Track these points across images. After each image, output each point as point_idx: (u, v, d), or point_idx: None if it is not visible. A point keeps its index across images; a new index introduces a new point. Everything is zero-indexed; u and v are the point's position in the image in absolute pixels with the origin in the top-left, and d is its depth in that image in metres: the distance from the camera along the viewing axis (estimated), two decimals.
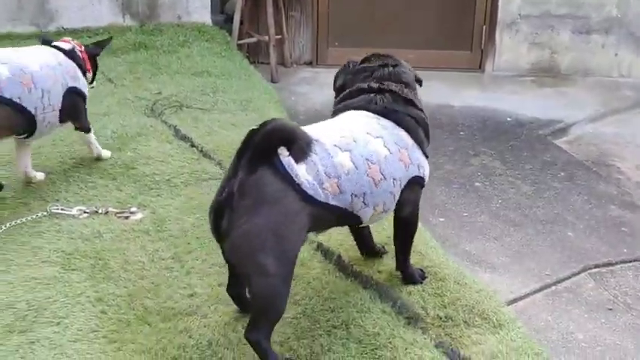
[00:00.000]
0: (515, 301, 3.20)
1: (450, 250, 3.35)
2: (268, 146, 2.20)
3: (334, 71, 3.49)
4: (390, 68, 2.78)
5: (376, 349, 2.40)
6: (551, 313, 3.14)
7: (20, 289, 2.72)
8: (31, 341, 2.45)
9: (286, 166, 2.20)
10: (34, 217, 3.23)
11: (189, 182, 3.54)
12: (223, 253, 2.33)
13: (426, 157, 2.69)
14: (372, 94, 2.63)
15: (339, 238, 3.00)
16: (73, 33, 5.59)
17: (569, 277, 3.40)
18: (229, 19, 6.35)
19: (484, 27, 5.98)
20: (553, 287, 3.33)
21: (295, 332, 2.49)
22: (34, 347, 2.42)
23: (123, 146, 3.93)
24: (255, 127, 2.20)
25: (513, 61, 6.05)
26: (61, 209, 3.28)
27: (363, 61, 2.82)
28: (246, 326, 2.26)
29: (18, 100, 3.18)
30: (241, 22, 5.92)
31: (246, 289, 2.44)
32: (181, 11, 6.06)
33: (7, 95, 3.15)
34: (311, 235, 2.99)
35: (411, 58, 5.92)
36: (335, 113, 2.70)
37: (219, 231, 2.26)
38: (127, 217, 3.25)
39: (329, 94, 5.40)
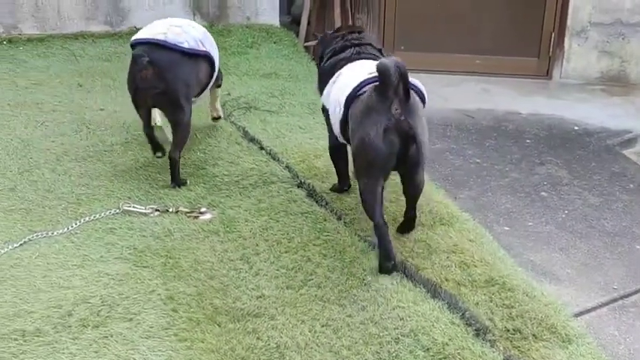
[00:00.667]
0: (580, 314, 3.15)
1: (514, 259, 3.32)
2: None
3: None
4: (357, 34, 3.54)
5: (445, 359, 2.41)
6: (618, 327, 3.09)
7: (94, 284, 2.80)
8: (104, 336, 2.52)
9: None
10: (107, 213, 3.31)
11: (257, 184, 3.59)
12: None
13: None
14: (356, 47, 3.42)
15: (407, 245, 3.02)
16: None
17: (637, 292, 3.35)
18: (296, 21, 6.40)
19: (553, 34, 5.91)
20: (620, 301, 3.28)
21: (363, 337, 2.52)
22: (108, 342, 2.49)
23: (193, 146, 3.99)
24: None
25: (582, 69, 5.96)
26: (133, 207, 3.36)
27: (336, 31, 3.66)
28: None
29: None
30: (308, 24, 5.96)
31: None
32: (250, 12, 6.13)
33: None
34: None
35: (478, 63, 5.97)
36: (330, 68, 3.40)
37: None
38: (196, 217, 3.31)
39: None
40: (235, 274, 2.88)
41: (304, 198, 3.45)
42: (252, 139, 4.05)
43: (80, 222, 3.25)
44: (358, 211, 3.34)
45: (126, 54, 5.41)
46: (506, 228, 3.85)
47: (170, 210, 3.35)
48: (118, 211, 3.34)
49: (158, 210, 3.34)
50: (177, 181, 3.59)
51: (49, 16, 5.63)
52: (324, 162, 3.80)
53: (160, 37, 3.51)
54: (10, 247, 3.05)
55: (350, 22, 5.91)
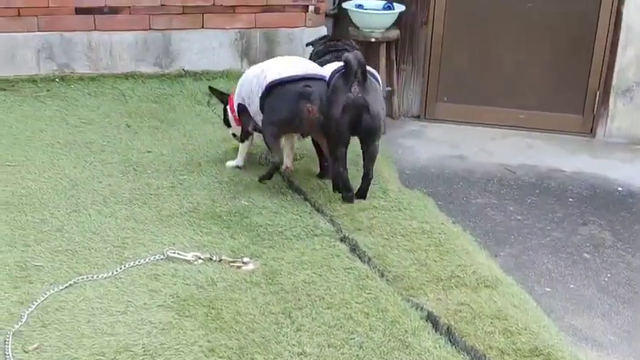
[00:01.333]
0: None
1: (555, 323, 3.29)
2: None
3: (442, 126, 5.86)
4: (336, 41, 4.58)
5: None
6: None
7: (137, 332, 2.82)
8: None
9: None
10: (151, 259, 3.35)
11: (301, 236, 3.60)
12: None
13: None
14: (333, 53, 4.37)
15: (451, 308, 3.00)
16: (193, 75, 5.84)
17: None
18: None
19: (598, 92, 5.88)
20: None
21: None
22: None
23: (237, 194, 4.03)
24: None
25: (626, 129, 5.92)
26: (177, 253, 3.39)
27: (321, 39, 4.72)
28: None
29: None
30: None
31: None
32: None
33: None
34: (421, 303, 3.02)
35: (522, 118, 5.96)
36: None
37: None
38: (239, 267, 3.33)
39: (436, 150, 5.50)
40: (277, 328, 2.88)
41: (347, 253, 3.45)
42: (297, 190, 4.08)
43: (125, 266, 3.28)
44: (401, 267, 3.35)
45: (173, 95, 5.55)
46: (548, 289, 3.82)
47: (213, 258, 3.37)
48: (162, 257, 3.37)
49: (201, 258, 3.37)
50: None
51: (101, 56, 5.75)
52: (368, 215, 3.82)
53: (314, 72, 3.94)
54: (55, 289, 3.09)
55: (395, 73, 5.97)
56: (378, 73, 5.75)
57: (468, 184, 5.05)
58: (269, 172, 4.11)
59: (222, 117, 4.56)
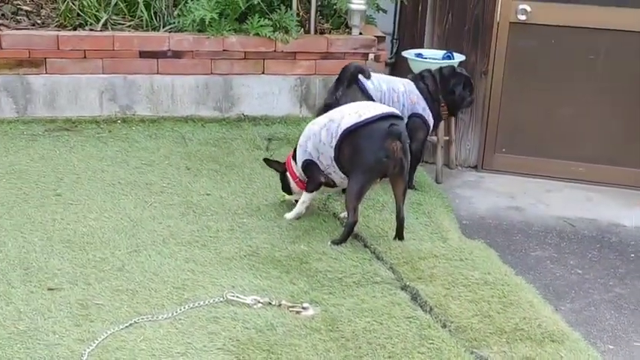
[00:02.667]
0: None
1: None
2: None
3: (500, 177, 5.75)
4: None
5: None
6: None
7: None
8: None
9: None
10: (211, 301, 3.34)
11: (361, 283, 3.56)
12: None
13: None
14: None
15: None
16: (252, 120, 5.89)
17: None
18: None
19: None
20: None
21: None
22: None
23: (297, 239, 4.02)
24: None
25: None
26: (237, 296, 3.38)
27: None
28: None
29: None
30: None
31: None
32: None
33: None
34: (485, 355, 2.95)
35: (581, 171, 5.87)
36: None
37: None
38: (298, 312, 3.30)
39: (493, 201, 5.44)
40: None
41: (408, 302, 3.40)
42: (356, 236, 4.05)
43: (184, 308, 3.28)
44: (463, 318, 3.28)
45: (232, 139, 5.60)
46: (611, 346, 3.71)
47: (273, 303, 3.35)
48: (221, 299, 3.36)
49: (261, 302, 3.35)
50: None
51: (162, 99, 5.84)
52: (429, 264, 3.77)
53: (392, 110, 3.96)
54: (115, 328, 3.09)
55: (453, 122, 5.94)
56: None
57: (526, 237, 4.96)
58: (345, 234, 4.00)
59: (279, 176, 4.46)
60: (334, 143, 3.94)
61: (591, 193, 5.75)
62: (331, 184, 4.20)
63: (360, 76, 4.66)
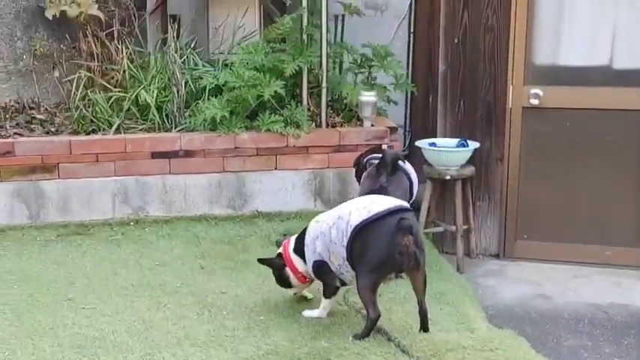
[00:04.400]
0: None
1: None
2: None
3: (523, 265, 5.56)
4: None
5: None
6: None
7: None
8: None
9: None
10: None
11: None
12: None
13: None
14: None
15: None
16: (267, 216, 5.81)
17: None
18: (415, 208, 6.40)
19: None
20: None
21: None
22: None
23: (317, 335, 3.87)
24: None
25: None
26: None
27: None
28: None
29: None
30: (427, 212, 5.90)
31: None
32: None
33: None
34: None
35: (608, 255, 5.70)
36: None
37: None
38: None
39: (518, 289, 5.26)
40: None
41: None
42: (378, 330, 3.87)
43: None
44: None
45: (247, 237, 5.50)
46: None
47: None
48: None
49: None
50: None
51: (175, 199, 5.79)
52: (457, 356, 3.60)
53: (401, 203, 3.84)
54: None
55: (471, 210, 5.84)
56: (455, 210, 5.68)
57: (556, 325, 4.77)
58: (368, 329, 3.84)
59: (272, 272, 4.27)
60: (345, 242, 3.80)
61: (620, 278, 5.57)
62: (342, 284, 4.05)
63: (400, 162, 4.86)
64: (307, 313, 4.14)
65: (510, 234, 5.94)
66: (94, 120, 5.99)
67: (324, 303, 4.11)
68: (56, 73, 6.55)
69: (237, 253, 5.16)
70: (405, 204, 3.90)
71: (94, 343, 3.80)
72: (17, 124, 6.07)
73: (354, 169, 5.38)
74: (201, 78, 6.03)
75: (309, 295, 4.34)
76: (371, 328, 3.82)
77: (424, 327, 3.89)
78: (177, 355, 3.66)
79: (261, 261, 4.32)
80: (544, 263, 5.82)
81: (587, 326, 4.77)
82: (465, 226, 5.78)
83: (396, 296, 4.33)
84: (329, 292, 4.07)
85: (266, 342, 3.80)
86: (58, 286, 4.58)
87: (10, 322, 4.05)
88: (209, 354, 3.67)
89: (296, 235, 4.21)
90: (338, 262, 3.90)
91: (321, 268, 4.00)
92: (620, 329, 4.72)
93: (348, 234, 3.79)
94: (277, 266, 4.21)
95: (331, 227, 3.91)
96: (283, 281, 4.23)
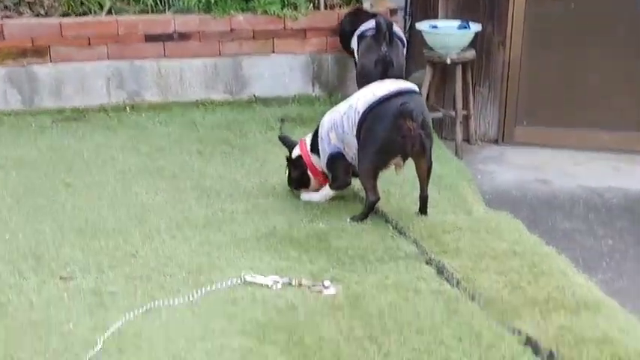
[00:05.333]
0: None
1: None
2: None
3: (522, 150, 5.49)
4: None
5: None
6: None
7: (216, 359, 2.68)
8: None
9: None
10: (228, 283, 3.21)
11: (384, 259, 3.42)
12: None
13: None
14: None
15: (551, 332, 2.78)
16: (264, 101, 5.75)
17: None
18: None
19: None
20: None
21: None
22: None
23: (315, 218, 3.89)
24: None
25: None
26: (255, 278, 3.24)
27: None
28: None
29: None
30: (427, 98, 5.84)
31: None
32: None
33: None
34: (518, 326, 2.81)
35: (607, 139, 5.67)
36: None
37: None
38: (319, 292, 3.17)
39: (516, 175, 5.26)
40: (363, 353, 2.72)
41: (434, 276, 3.26)
42: (375, 212, 3.90)
43: (201, 292, 3.15)
44: (493, 290, 3.13)
45: (244, 122, 5.47)
46: None
47: (292, 283, 3.21)
48: (239, 281, 3.23)
49: (280, 283, 3.22)
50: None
51: (171, 84, 5.71)
52: (453, 237, 3.63)
53: (407, 86, 3.77)
54: (131, 315, 2.97)
55: (472, 95, 5.77)
56: (454, 95, 5.63)
57: (552, 209, 4.79)
58: (365, 213, 3.85)
59: (287, 166, 4.18)
60: (355, 131, 3.76)
61: (618, 163, 5.56)
62: (354, 175, 4.01)
63: (394, 28, 5.20)
64: (305, 196, 4.14)
65: (510, 120, 5.89)
66: (84, 2, 5.81)
67: (328, 192, 4.09)
68: None
69: (235, 138, 5.13)
70: (413, 86, 3.81)
71: (94, 226, 3.81)
72: (5, 6, 5.88)
73: (338, 38, 5.67)
74: None
75: None
76: (369, 210, 3.83)
77: (423, 210, 3.91)
78: (177, 238, 3.68)
79: (282, 139, 4.31)
80: (543, 149, 5.80)
81: (582, 210, 4.79)
82: (465, 112, 5.73)
83: (394, 178, 4.31)
84: (337, 185, 4.04)
85: (264, 224, 3.82)
86: (55, 171, 4.56)
87: (10, 206, 4.06)
88: (208, 236, 3.70)
89: (310, 135, 4.13)
90: (352, 152, 3.87)
91: (335, 161, 3.96)
92: (615, 212, 4.75)
93: (356, 122, 3.75)
94: (299, 167, 4.12)
95: (343, 116, 3.86)
96: (297, 180, 4.16)
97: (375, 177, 3.80)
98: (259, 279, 3.24)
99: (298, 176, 4.13)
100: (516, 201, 4.91)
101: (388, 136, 3.65)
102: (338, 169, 3.98)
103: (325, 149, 3.96)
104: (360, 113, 3.73)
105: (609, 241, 4.35)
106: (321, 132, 4.00)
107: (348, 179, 4.00)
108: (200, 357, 2.70)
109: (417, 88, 3.83)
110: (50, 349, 2.78)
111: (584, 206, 4.84)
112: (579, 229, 4.52)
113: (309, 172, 4.10)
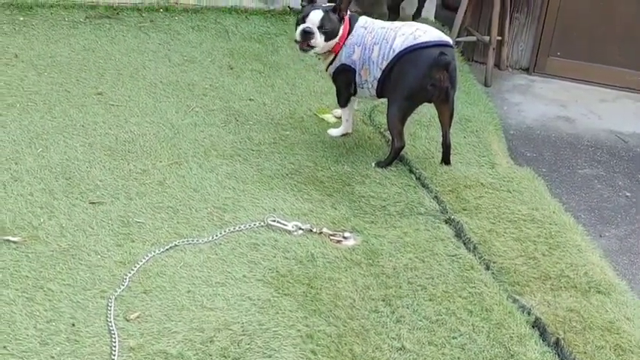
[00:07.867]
0: None
1: None
2: None
3: (551, 82, 5.56)
4: None
5: None
6: None
7: (236, 308, 2.81)
8: None
9: None
10: (251, 225, 3.31)
11: (404, 213, 3.49)
12: None
13: None
14: None
15: (559, 314, 2.87)
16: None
17: None
18: (448, 8, 6.25)
19: None
20: None
21: None
22: None
23: (340, 158, 3.93)
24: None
25: None
26: (278, 222, 3.34)
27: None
28: None
29: None
30: (462, 20, 5.74)
31: None
32: (408, 7, 6.04)
33: None
34: (528, 305, 2.90)
35: (637, 80, 5.60)
36: None
37: None
38: (339, 242, 3.26)
39: (543, 109, 5.25)
40: (376, 317, 2.82)
41: (452, 238, 3.33)
42: (400, 159, 3.93)
43: (225, 231, 3.25)
44: (507, 259, 3.22)
45: (277, 35, 5.42)
46: None
47: (314, 230, 3.30)
48: (262, 224, 3.32)
49: (302, 229, 3.31)
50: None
51: None
52: (475, 194, 3.68)
53: (445, 39, 3.75)
54: (156, 251, 3.09)
55: (507, 21, 5.66)
56: (491, 19, 5.52)
57: (574, 151, 4.82)
58: (390, 159, 3.90)
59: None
60: (384, 65, 3.75)
61: None
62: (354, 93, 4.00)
63: None
64: (332, 131, 4.17)
65: (544, 50, 5.83)
66: None
67: (344, 114, 4.12)
68: None
69: (267, 54, 5.10)
70: (450, 40, 3.80)
71: (124, 146, 3.88)
72: None
73: None
74: None
75: (332, 119, 4.35)
76: (394, 157, 3.88)
77: (446, 160, 3.95)
78: (204, 166, 3.75)
79: None
80: (572, 82, 5.76)
81: (605, 155, 4.81)
82: (499, 38, 5.66)
83: (421, 119, 4.32)
84: (343, 99, 4.05)
85: (290, 160, 3.87)
86: (87, 77, 4.60)
87: (42, 115, 4.11)
88: (234, 168, 3.76)
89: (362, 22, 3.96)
90: (366, 77, 3.87)
91: (343, 74, 3.93)
92: (637, 162, 4.76)
93: (389, 58, 3.74)
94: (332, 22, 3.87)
95: (374, 45, 3.81)
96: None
97: (403, 122, 3.82)
98: (282, 223, 3.33)
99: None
100: (540, 139, 4.93)
101: (420, 84, 3.68)
102: (342, 81, 3.97)
103: (342, 59, 3.91)
104: (396, 52, 3.71)
105: (627, 193, 4.39)
106: (349, 40, 3.88)
107: (350, 91, 3.98)
108: (221, 306, 2.81)
109: (451, 42, 3.81)
110: (78, 282, 2.88)
111: (607, 151, 4.85)
112: (599, 175, 4.55)
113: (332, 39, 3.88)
